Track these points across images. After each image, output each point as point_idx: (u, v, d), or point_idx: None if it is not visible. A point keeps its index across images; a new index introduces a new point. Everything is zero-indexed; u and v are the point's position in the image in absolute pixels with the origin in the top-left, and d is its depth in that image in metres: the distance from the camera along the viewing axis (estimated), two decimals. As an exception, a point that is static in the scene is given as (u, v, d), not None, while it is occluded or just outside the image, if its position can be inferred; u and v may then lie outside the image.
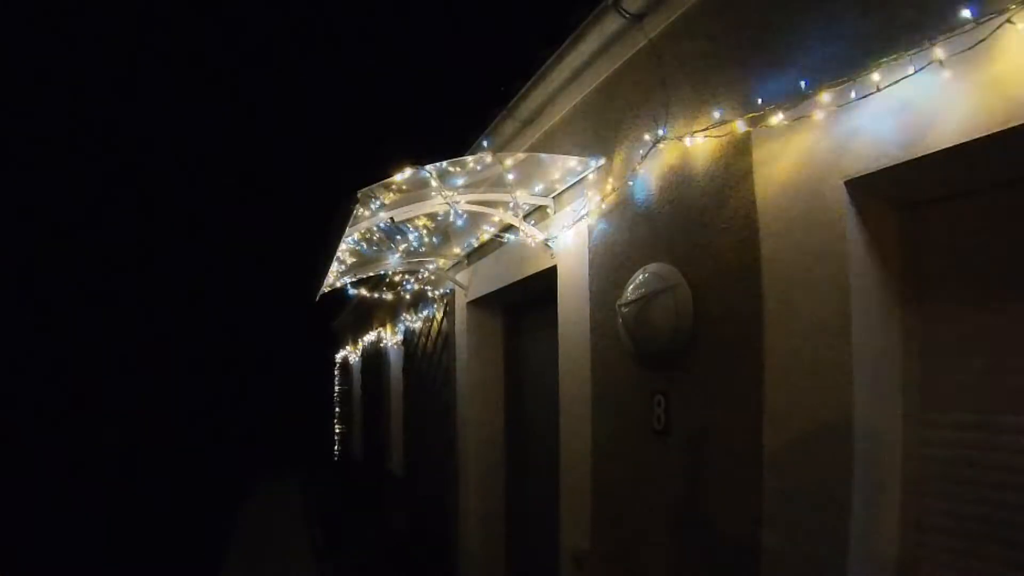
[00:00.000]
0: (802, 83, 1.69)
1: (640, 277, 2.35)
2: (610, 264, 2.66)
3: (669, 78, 2.29)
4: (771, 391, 1.80)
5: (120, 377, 18.20)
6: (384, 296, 6.26)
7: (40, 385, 16.25)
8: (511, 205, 3.20)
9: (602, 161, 2.73)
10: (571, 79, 2.89)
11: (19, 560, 6.60)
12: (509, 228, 3.47)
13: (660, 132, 2.29)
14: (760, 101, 1.84)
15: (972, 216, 1.58)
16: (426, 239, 4.07)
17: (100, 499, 10.29)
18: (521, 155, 2.87)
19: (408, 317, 6.31)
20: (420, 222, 3.64)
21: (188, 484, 11.91)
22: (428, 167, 2.71)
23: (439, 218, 3.49)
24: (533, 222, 3.32)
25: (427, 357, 5.71)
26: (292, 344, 17.98)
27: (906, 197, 1.67)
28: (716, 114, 2.02)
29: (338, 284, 4.65)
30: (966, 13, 1.30)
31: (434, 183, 2.86)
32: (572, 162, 2.84)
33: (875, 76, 1.50)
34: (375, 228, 3.46)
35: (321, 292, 4.05)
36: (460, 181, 2.93)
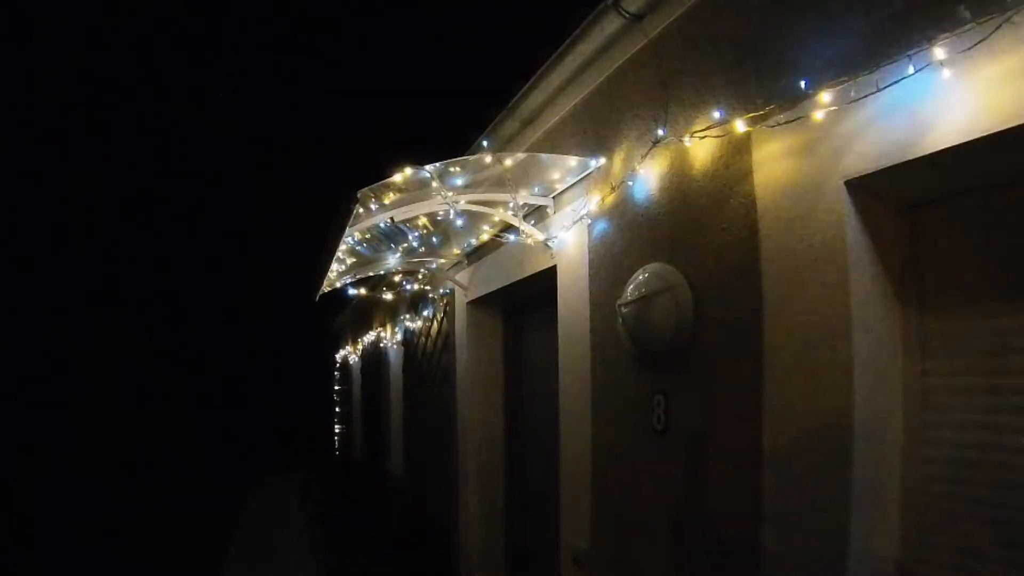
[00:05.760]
0: (802, 83, 1.69)
1: (640, 277, 2.36)
2: (610, 264, 2.66)
3: (669, 78, 2.29)
4: (771, 391, 1.81)
5: (119, 377, 18.21)
6: (384, 296, 6.26)
7: (40, 385, 16.27)
8: (511, 205, 3.20)
9: (602, 161, 2.73)
10: (571, 79, 2.89)
11: (19, 560, 6.60)
12: (509, 228, 3.47)
13: (660, 132, 2.29)
14: (760, 101, 1.85)
15: (972, 216, 1.58)
16: (426, 239, 4.08)
17: (101, 499, 10.29)
18: (521, 155, 2.87)
19: (408, 317, 6.31)
20: (420, 222, 3.64)
21: (188, 484, 11.92)
22: (428, 167, 2.71)
23: (439, 218, 3.49)
24: (533, 222, 3.33)
25: (427, 357, 5.72)
26: (292, 344, 17.99)
27: (906, 197, 1.67)
28: (716, 114, 2.02)
29: (338, 284, 4.65)
30: (966, 14, 1.31)
31: (434, 183, 2.86)
32: (572, 162, 2.84)
33: (875, 76, 1.50)
34: (375, 228, 3.46)
35: (321, 292, 4.05)
36: (460, 181, 2.93)
